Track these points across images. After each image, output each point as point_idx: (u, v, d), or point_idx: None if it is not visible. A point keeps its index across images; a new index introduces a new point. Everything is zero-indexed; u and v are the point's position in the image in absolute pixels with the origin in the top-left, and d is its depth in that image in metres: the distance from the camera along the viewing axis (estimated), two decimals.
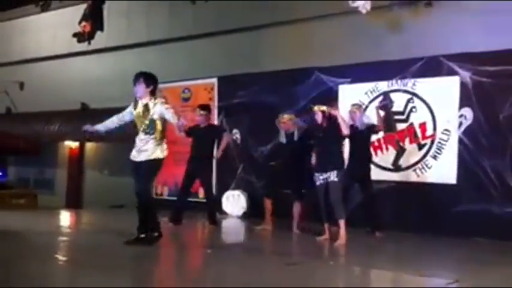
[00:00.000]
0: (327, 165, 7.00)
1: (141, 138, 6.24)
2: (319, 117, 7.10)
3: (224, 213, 10.27)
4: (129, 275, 4.83)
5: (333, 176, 6.92)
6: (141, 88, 6.24)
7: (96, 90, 14.73)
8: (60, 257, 5.87)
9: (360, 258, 6.12)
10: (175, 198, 10.59)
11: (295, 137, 8.00)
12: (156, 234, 6.23)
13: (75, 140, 15.70)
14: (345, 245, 6.66)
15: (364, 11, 8.37)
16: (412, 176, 8.62)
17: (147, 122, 6.18)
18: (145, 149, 6.18)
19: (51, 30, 16.16)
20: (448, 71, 8.38)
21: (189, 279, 4.94)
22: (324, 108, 7.10)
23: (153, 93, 6.31)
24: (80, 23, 12.78)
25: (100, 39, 12.90)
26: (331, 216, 7.03)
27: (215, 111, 11.04)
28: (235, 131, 10.62)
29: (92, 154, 16.00)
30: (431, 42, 8.90)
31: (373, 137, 8.68)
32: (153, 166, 6.23)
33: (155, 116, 6.15)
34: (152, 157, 6.16)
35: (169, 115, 6.08)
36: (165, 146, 6.29)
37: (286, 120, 8.08)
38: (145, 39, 13.92)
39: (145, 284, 4.58)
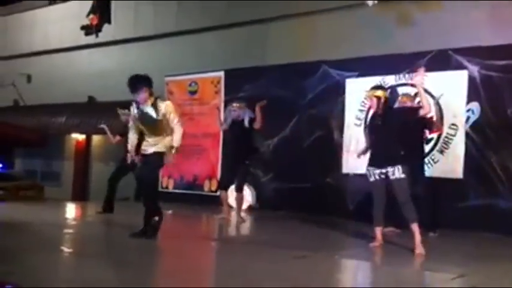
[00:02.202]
0: (385, 159, 6.05)
1: (149, 139, 6.16)
2: (373, 103, 6.22)
3: (230, 207, 10.26)
4: (133, 267, 4.82)
5: (397, 172, 5.97)
6: (143, 94, 6.03)
7: (103, 83, 14.75)
8: (66, 249, 5.89)
9: (363, 253, 6.10)
10: (180, 191, 10.66)
11: (245, 125, 8.08)
12: (156, 218, 6.15)
13: (82, 132, 15.76)
14: (423, 254, 5.81)
15: (370, 4, 8.32)
16: None
17: (153, 125, 6.07)
18: (156, 143, 6.11)
19: (59, 23, 16.20)
20: (456, 65, 8.32)
21: (194, 271, 4.94)
22: (379, 93, 6.20)
23: (152, 94, 6.13)
24: (87, 15, 12.84)
25: (107, 32, 12.95)
26: (389, 218, 6.34)
27: (222, 105, 11.04)
28: None
29: (98, 147, 16.04)
30: (440, 36, 8.83)
31: None
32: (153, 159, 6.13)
33: (161, 117, 6.02)
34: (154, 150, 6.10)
35: (174, 124, 6.02)
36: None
37: (237, 108, 8.21)
38: (153, 32, 13.93)
39: (150, 276, 4.58)
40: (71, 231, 7.37)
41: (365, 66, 9.21)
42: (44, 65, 16.76)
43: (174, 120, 6.01)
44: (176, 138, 5.99)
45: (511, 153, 7.78)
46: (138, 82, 6.05)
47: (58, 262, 5.11)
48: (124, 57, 14.54)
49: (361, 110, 9.24)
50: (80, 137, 16.11)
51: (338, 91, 9.49)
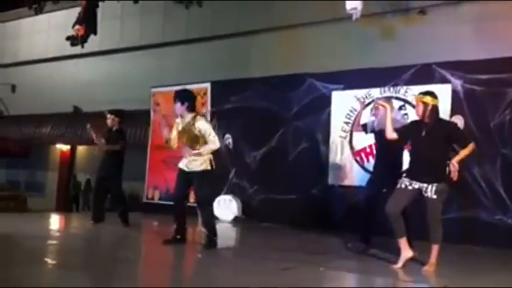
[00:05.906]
0: (424, 175, 5.42)
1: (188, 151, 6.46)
2: (419, 110, 5.53)
3: (215, 218, 10.26)
4: (118, 279, 4.80)
5: (430, 191, 5.38)
6: (177, 106, 6.47)
7: (89, 93, 14.72)
8: (50, 261, 5.84)
9: (348, 264, 6.12)
10: (166, 202, 10.62)
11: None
12: (215, 238, 6.51)
13: (66, 143, 15.68)
14: (433, 272, 5.41)
15: (354, 17, 8.41)
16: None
17: (191, 137, 6.40)
18: (195, 159, 6.40)
19: (45, 33, 16.18)
20: (439, 79, 8.42)
21: (181, 284, 4.92)
22: (427, 99, 5.53)
23: (190, 109, 6.48)
24: (73, 26, 12.78)
25: (93, 43, 12.91)
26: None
27: (208, 116, 11.06)
28: (227, 135, 10.64)
29: (82, 157, 15.97)
30: (424, 50, 8.97)
31: (366, 143, 8.75)
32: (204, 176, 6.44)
33: (197, 132, 6.38)
34: (202, 168, 6.39)
35: (210, 138, 6.33)
36: (211, 157, 6.49)
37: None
38: (139, 43, 13.97)
39: None
40: (54, 242, 7.31)
41: (350, 79, 9.29)
42: (29, 75, 16.70)
43: (210, 136, 6.36)
44: (206, 148, 6.34)
45: (493, 166, 7.88)
46: (176, 95, 6.55)
47: (42, 274, 5.07)
48: (110, 68, 14.55)
49: (346, 123, 9.32)
50: (65, 147, 16.02)
51: (324, 104, 9.56)
